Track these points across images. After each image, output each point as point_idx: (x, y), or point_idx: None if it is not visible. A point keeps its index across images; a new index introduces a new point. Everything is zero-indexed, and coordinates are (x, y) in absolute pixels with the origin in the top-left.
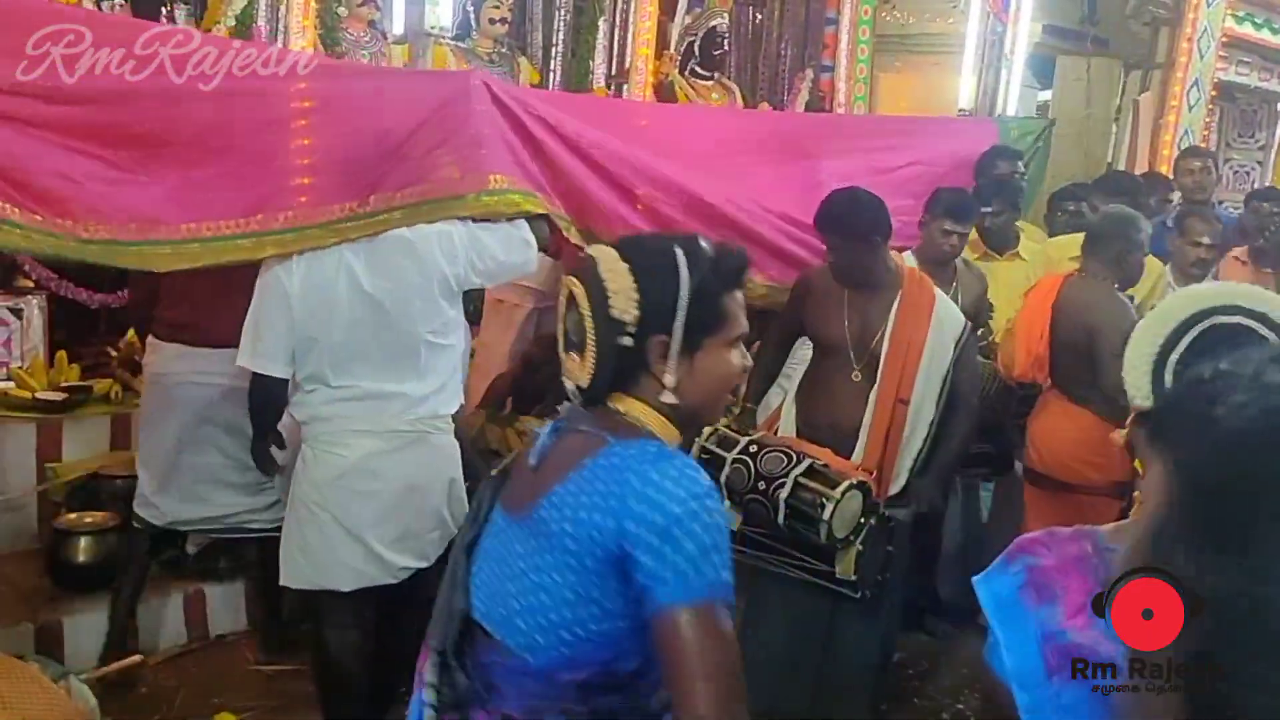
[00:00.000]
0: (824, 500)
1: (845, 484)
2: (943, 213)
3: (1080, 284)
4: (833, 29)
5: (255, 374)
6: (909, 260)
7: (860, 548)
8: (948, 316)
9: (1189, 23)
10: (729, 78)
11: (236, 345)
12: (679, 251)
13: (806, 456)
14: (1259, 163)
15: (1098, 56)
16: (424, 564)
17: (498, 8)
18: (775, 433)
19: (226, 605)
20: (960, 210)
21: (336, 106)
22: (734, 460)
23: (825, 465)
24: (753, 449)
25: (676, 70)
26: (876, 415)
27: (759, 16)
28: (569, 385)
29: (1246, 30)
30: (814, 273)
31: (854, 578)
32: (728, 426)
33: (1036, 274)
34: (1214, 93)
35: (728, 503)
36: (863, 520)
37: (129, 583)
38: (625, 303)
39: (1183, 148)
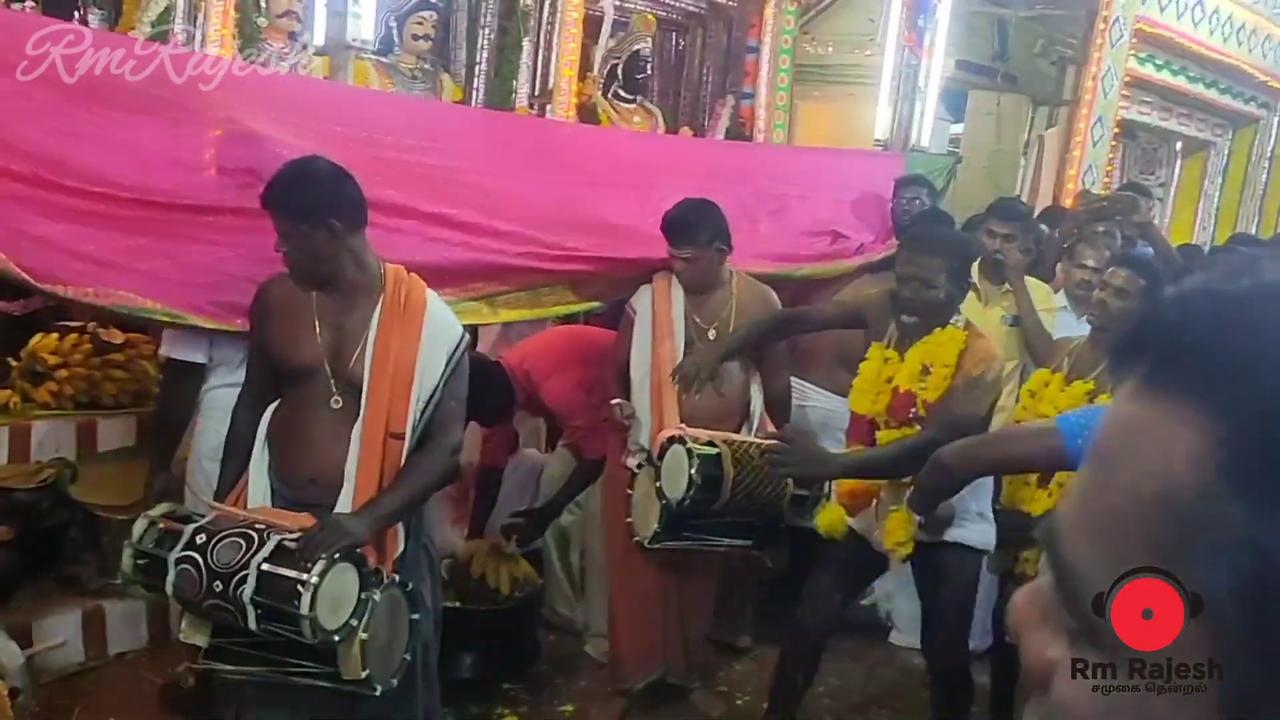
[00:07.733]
0: (300, 588)
1: (321, 561)
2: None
3: None
4: (754, 57)
5: None
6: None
7: (365, 635)
8: (441, 325)
9: (1094, 62)
10: (652, 101)
11: None
12: None
13: (275, 532)
14: (1159, 200)
15: (1007, 92)
16: None
17: (421, 24)
18: (241, 504)
19: (126, 622)
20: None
21: None
22: (178, 561)
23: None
24: (200, 540)
25: (600, 92)
26: (364, 455)
27: (682, 42)
28: None
29: (1148, 71)
30: (272, 282)
31: (364, 674)
32: (167, 515)
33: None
34: (1117, 130)
35: (187, 617)
36: (363, 596)
37: None
38: None
39: (1087, 183)
